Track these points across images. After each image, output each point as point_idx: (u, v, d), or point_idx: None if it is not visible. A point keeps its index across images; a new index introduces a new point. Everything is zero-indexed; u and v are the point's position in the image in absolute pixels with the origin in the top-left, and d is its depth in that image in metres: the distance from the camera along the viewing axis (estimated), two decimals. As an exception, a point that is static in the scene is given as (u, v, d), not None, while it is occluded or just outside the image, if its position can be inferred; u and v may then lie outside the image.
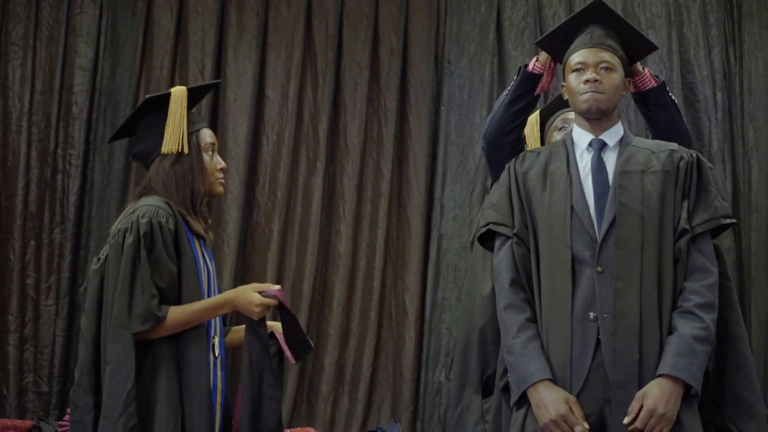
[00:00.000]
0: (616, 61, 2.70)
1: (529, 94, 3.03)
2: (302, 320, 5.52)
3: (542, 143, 3.45)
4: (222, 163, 3.01)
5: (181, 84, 5.64)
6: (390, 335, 5.61)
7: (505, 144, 3.06)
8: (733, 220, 2.63)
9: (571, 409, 2.45)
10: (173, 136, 2.87)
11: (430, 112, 5.73)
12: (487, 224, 2.72)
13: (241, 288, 2.89)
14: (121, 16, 5.69)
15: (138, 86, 5.60)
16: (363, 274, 5.65)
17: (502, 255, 2.66)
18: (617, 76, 2.69)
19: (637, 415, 2.40)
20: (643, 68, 2.97)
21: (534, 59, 3.01)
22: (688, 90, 5.54)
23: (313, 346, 3.06)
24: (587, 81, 2.66)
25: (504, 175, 2.77)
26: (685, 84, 5.53)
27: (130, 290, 2.70)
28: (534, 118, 3.49)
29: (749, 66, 5.51)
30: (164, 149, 2.87)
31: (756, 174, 5.42)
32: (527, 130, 3.47)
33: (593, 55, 2.69)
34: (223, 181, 3.04)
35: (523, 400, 2.55)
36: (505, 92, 3.09)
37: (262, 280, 5.53)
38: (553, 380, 2.50)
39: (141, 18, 5.68)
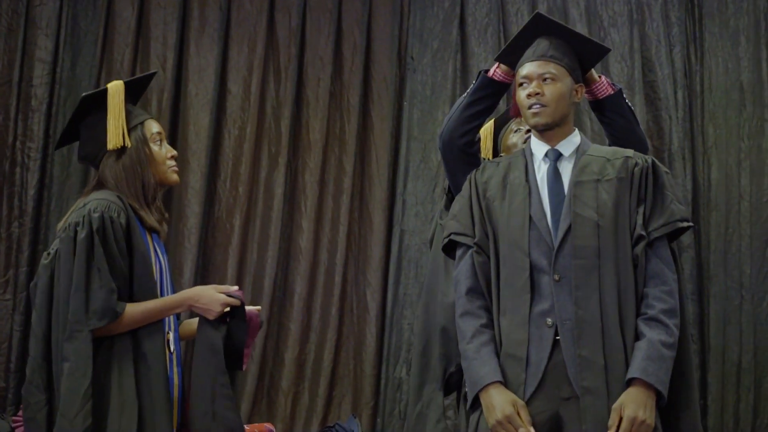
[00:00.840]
0: (560, 71, 2.71)
1: (488, 99, 3.02)
2: (263, 315, 5.48)
3: (495, 152, 3.47)
4: (173, 151, 2.98)
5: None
6: (351, 331, 5.61)
7: (458, 146, 3.06)
8: (691, 224, 2.65)
9: (518, 413, 2.49)
10: (115, 130, 2.85)
11: (393, 108, 5.73)
12: (449, 235, 2.77)
13: (200, 288, 2.88)
14: (81, 8, 5.63)
15: (98, 79, 5.54)
16: (324, 270, 5.64)
17: (462, 264, 2.72)
18: (562, 85, 2.70)
19: (618, 427, 2.44)
20: (600, 76, 2.98)
21: (495, 65, 3.00)
22: (649, 88, 5.58)
23: (243, 369, 3.05)
24: (529, 95, 2.69)
25: (465, 186, 2.81)
26: (646, 82, 5.57)
27: (86, 286, 2.67)
28: (488, 128, 3.50)
29: (709, 65, 5.56)
30: (109, 146, 2.85)
31: (715, 172, 5.46)
32: (481, 138, 3.48)
33: (536, 68, 2.71)
34: (176, 168, 3.01)
35: (478, 403, 2.60)
36: (465, 95, 3.09)
37: (223, 275, 5.53)
38: (504, 383, 2.54)
39: (102, 10, 5.62)
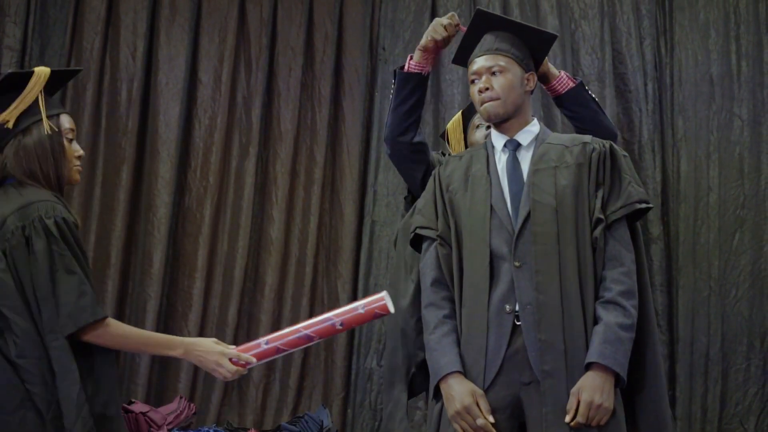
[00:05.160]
0: (507, 62, 2.74)
1: (414, 92, 3.03)
2: (233, 307, 5.51)
3: (465, 142, 3.49)
4: (80, 151, 2.88)
5: (112, 66, 5.59)
6: (322, 322, 5.59)
7: (403, 145, 3.07)
8: (650, 205, 2.67)
9: (477, 403, 2.52)
10: (15, 110, 2.71)
11: (364, 99, 5.73)
12: (415, 229, 2.81)
13: (208, 343, 2.70)
14: (50, -5, 5.60)
15: (68, 68, 5.50)
16: (295, 261, 5.64)
17: (427, 257, 2.76)
18: (511, 75, 2.73)
19: (576, 410, 2.46)
20: (560, 72, 3.01)
21: (409, 58, 3.04)
22: (620, 80, 5.60)
23: None
24: (480, 90, 2.73)
25: (430, 182, 2.85)
26: (616, 74, 5.59)
27: (53, 293, 2.55)
28: (456, 120, 3.53)
29: (679, 57, 5.59)
30: (1, 118, 2.70)
31: (684, 164, 5.50)
32: (450, 130, 3.51)
33: (483, 62, 2.75)
34: (80, 168, 2.88)
35: (440, 393, 2.63)
36: (391, 97, 3.10)
37: (193, 266, 5.49)
38: (464, 373, 2.58)
39: (71, -2, 5.58)
